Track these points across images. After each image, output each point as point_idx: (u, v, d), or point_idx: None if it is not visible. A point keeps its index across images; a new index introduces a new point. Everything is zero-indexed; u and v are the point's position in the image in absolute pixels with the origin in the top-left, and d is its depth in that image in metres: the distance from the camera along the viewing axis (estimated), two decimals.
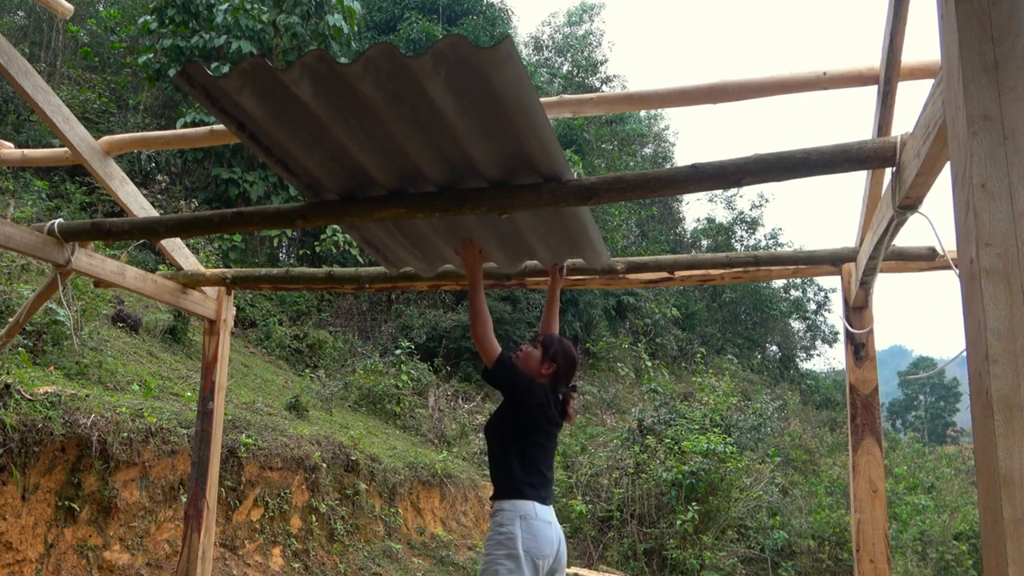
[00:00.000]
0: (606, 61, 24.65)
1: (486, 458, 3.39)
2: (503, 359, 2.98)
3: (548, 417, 3.00)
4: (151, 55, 12.19)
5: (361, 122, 2.52)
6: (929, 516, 11.49)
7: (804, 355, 25.98)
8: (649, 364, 13.47)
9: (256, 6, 11.82)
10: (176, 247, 4.34)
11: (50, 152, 4.06)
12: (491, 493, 3.01)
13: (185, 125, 11.20)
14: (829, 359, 38.86)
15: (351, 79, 2.31)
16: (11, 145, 4.10)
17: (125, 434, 4.93)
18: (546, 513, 2.93)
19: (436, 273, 3.93)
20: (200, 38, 11.67)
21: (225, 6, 11.73)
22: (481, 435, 10.84)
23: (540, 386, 3.02)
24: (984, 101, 1.44)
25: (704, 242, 24.37)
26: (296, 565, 6.22)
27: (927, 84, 2.08)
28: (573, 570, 8.29)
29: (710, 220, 24.60)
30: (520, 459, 2.95)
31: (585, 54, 23.86)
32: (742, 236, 24.06)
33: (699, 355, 15.20)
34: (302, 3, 12.32)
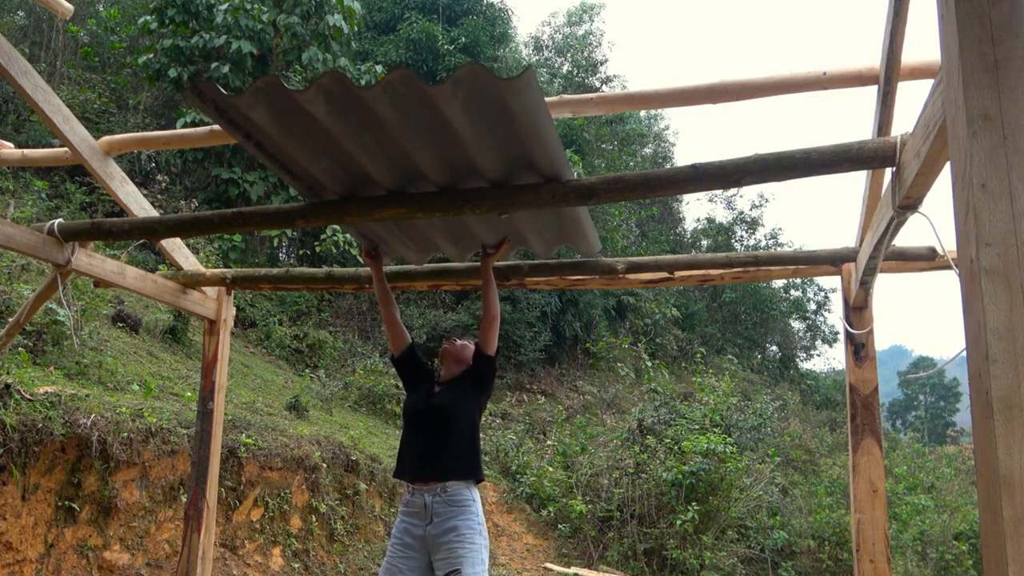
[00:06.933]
0: (606, 61, 24.59)
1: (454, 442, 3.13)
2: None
3: None
4: (151, 55, 12.18)
5: (372, 135, 2.54)
6: (929, 516, 11.47)
7: (804, 355, 25.91)
8: (649, 364, 13.43)
9: (256, 6, 11.81)
10: (176, 247, 4.34)
11: (50, 152, 4.06)
12: (454, 475, 3.05)
13: (185, 125, 11.19)
14: (829, 359, 38.81)
15: (368, 100, 2.31)
16: (11, 145, 4.10)
17: (125, 434, 4.93)
18: None
19: (434, 272, 3.93)
20: (200, 38, 11.67)
21: (225, 6, 11.72)
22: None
23: None
24: (984, 101, 1.44)
25: (704, 242, 24.33)
26: (296, 565, 6.22)
27: (927, 84, 2.08)
28: (573, 570, 8.30)
29: (710, 220, 24.56)
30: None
31: (585, 54, 23.81)
32: (742, 236, 24.03)
33: (699, 355, 15.17)
34: (302, 3, 12.30)
